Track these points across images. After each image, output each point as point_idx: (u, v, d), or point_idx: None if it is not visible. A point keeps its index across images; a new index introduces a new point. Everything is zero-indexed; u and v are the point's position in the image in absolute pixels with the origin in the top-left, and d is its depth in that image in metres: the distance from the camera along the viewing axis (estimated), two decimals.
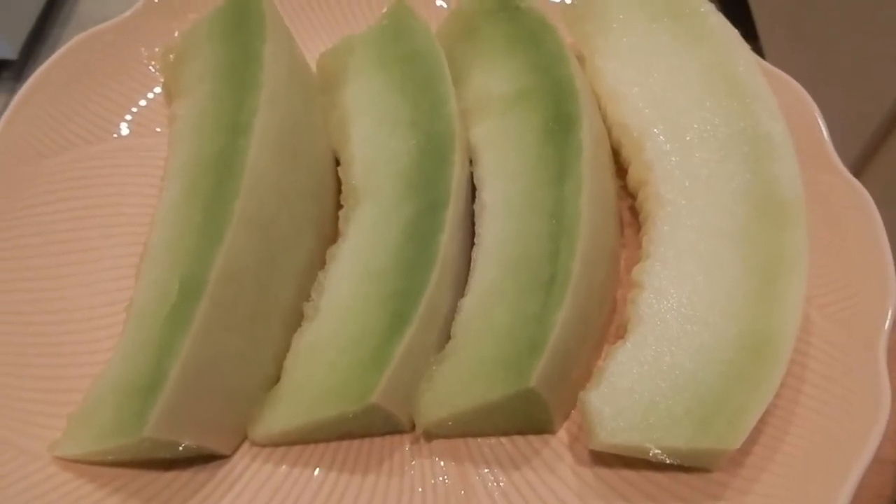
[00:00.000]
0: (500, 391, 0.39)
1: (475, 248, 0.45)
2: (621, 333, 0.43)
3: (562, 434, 0.43)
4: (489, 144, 0.49)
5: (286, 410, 0.41)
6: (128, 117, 0.54)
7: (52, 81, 0.53)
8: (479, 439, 0.43)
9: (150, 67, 0.56)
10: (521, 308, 0.41)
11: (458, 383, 0.41)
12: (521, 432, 0.43)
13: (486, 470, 0.42)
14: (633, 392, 0.39)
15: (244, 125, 0.44)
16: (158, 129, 0.54)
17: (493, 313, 0.42)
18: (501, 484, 0.41)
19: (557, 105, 0.48)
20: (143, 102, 0.55)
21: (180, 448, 0.39)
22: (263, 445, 0.42)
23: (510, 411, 0.41)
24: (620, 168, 0.51)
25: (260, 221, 0.43)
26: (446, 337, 0.43)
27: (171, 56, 0.54)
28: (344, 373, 0.40)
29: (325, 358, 0.41)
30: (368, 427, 0.42)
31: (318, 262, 0.46)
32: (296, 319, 0.44)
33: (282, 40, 0.50)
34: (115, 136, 0.53)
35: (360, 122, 0.50)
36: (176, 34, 0.57)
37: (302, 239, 0.46)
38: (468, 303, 0.43)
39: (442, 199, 0.45)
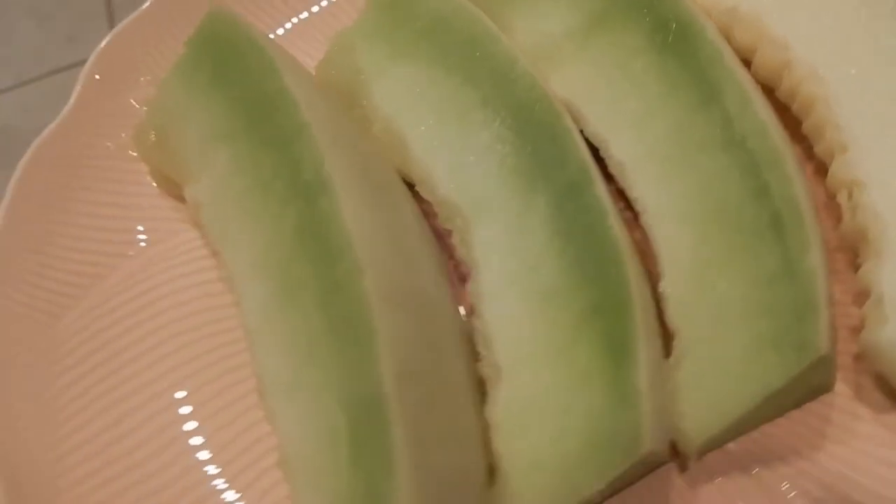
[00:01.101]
0: (784, 374, 0.31)
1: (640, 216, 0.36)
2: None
3: (839, 387, 0.35)
4: (587, 91, 0.39)
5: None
6: (133, 229, 0.42)
7: (19, 229, 0.41)
8: (752, 434, 0.34)
9: (128, 157, 0.44)
10: (755, 270, 0.32)
11: (721, 386, 0.32)
12: (797, 405, 0.34)
13: (785, 467, 0.33)
14: None
15: (316, 181, 0.33)
16: (177, 227, 0.42)
17: (718, 288, 0.33)
18: (815, 474, 0.33)
19: (651, 11, 0.38)
20: (139, 203, 0.43)
21: None
22: None
23: (789, 392, 0.32)
24: None
25: (394, 288, 0.32)
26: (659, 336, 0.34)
27: (151, 135, 0.42)
28: (585, 431, 0.31)
29: (544, 423, 0.32)
30: (632, 478, 0.33)
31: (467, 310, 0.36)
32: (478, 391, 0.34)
33: (291, 64, 0.39)
34: (128, 255, 0.42)
35: (413, 125, 0.40)
36: (137, 106, 0.45)
37: (439, 289, 0.36)
38: (673, 287, 0.34)
39: (580, 175, 0.35)
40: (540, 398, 0.32)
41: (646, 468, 0.33)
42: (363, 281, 0.31)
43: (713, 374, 0.32)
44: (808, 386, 0.33)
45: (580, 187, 0.35)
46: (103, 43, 0.45)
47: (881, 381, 0.34)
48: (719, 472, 0.34)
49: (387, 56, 0.42)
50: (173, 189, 0.43)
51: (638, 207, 0.36)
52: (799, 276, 0.31)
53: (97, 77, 0.45)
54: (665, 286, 0.34)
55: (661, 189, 0.36)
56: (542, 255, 0.34)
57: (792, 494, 0.33)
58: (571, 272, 0.33)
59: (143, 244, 0.42)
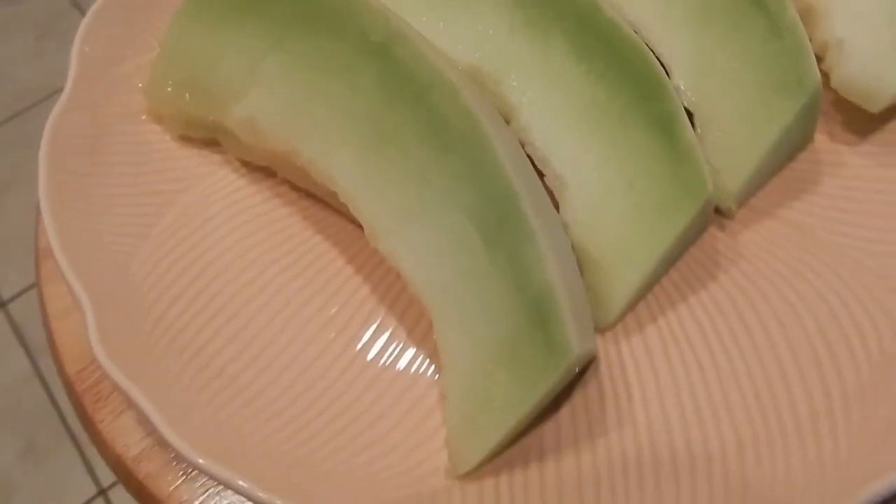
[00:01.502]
0: (793, 108, 0.39)
1: None
2: None
3: (817, 136, 0.43)
4: None
5: None
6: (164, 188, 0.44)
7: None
8: (768, 188, 0.41)
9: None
10: (746, 38, 0.40)
11: (743, 138, 0.39)
12: (799, 149, 0.42)
13: (800, 202, 0.41)
14: None
15: (391, 35, 0.37)
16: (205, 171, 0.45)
17: (718, 64, 0.40)
18: (822, 204, 0.40)
19: None
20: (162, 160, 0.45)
21: (577, 369, 0.34)
22: None
23: (796, 130, 0.40)
24: None
25: (483, 106, 0.37)
26: None
27: (168, 83, 0.44)
28: (654, 194, 0.37)
29: (615, 201, 0.38)
30: (697, 230, 0.39)
31: None
32: None
33: None
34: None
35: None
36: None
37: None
38: (682, 77, 0.40)
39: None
40: (606, 184, 0.38)
41: (702, 221, 0.39)
42: (462, 99, 0.35)
43: (733, 131, 0.39)
44: (806, 125, 0.41)
45: (594, 14, 0.41)
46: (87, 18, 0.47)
47: (848, 124, 0.43)
48: (754, 224, 0.40)
49: None
50: (198, 133, 0.45)
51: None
52: (783, 29, 0.39)
53: (87, 50, 0.47)
54: (675, 78, 0.41)
55: None
56: (572, 76, 0.40)
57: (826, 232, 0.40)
58: (606, 78, 0.39)
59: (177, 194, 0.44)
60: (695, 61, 0.41)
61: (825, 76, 0.41)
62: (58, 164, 0.43)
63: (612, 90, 0.39)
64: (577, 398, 0.35)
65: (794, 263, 0.38)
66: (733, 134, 0.39)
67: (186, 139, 0.46)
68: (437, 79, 0.36)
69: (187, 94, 0.44)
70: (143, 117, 0.47)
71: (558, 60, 0.41)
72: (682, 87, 0.40)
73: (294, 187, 0.44)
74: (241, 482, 0.31)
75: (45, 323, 0.43)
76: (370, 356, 0.38)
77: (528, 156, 0.40)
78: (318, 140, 0.38)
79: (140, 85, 0.47)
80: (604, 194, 0.38)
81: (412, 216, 0.35)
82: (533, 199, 0.34)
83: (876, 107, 0.41)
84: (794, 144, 0.41)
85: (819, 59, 0.40)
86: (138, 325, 0.38)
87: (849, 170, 0.42)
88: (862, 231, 0.39)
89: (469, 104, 0.35)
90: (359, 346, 0.38)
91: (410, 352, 0.38)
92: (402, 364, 0.37)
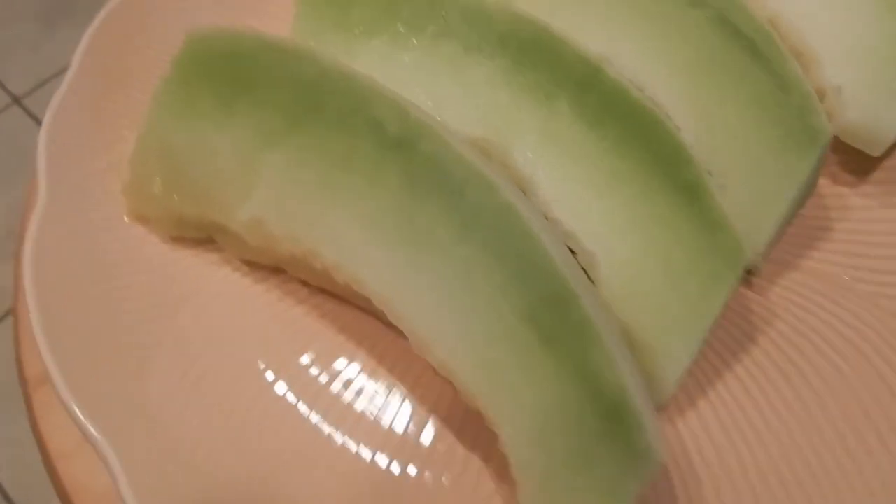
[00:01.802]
0: (809, 160, 0.39)
1: None
2: None
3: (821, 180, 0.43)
4: None
5: None
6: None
7: None
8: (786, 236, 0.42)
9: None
10: (751, 93, 0.40)
11: (761, 193, 0.39)
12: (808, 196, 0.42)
13: (820, 252, 0.41)
14: None
15: (412, 129, 0.36)
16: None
17: (728, 122, 0.40)
18: (841, 250, 0.41)
19: None
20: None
21: None
22: None
23: (808, 181, 0.40)
24: None
25: (521, 198, 0.37)
26: None
27: (155, 182, 0.41)
28: (689, 254, 0.37)
29: (652, 266, 0.38)
30: None
31: None
32: None
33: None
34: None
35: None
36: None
37: None
38: (692, 134, 0.40)
39: (587, 70, 0.41)
40: (639, 258, 0.37)
41: (737, 284, 0.39)
42: (500, 195, 0.34)
43: (749, 189, 0.39)
44: (816, 173, 0.41)
45: (596, 76, 0.40)
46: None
47: (846, 164, 0.44)
48: (779, 278, 0.41)
49: None
50: (190, 234, 0.42)
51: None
52: (788, 82, 0.39)
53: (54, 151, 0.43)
54: (685, 136, 0.40)
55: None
56: (586, 145, 0.39)
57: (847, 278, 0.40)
58: (622, 145, 0.39)
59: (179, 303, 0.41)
60: (698, 119, 0.41)
61: None
62: (45, 290, 0.39)
63: (630, 158, 0.38)
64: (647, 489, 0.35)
65: (826, 316, 0.39)
66: (750, 192, 0.39)
67: (178, 239, 0.43)
68: (471, 174, 0.34)
69: (176, 195, 0.41)
70: (126, 219, 0.43)
71: (567, 128, 0.40)
72: (689, 143, 0.40)
73: (304, 283, 0.42)
74: None
75: (47, 464, 0.39)
76: (419, 470, 0.36)
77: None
78: (339, 241, 0.36)
79: (119, 185, 0.44)
80: (639, 269, 0.37)
81: (461, 322, 0.34)
82: (588, 295, 0.33)
83: (877, 150, 0.42)
84: (804, 193, 0.42)
85: None
86: (165, 465, 0.35)
87: (856, 212, 0.43)
88: (879, 276, 0.40)
89: (508, 199, 0.34)
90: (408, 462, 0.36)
91: (463, 457, 0.36)
92: (455, 476, 0.36)
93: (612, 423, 0.31)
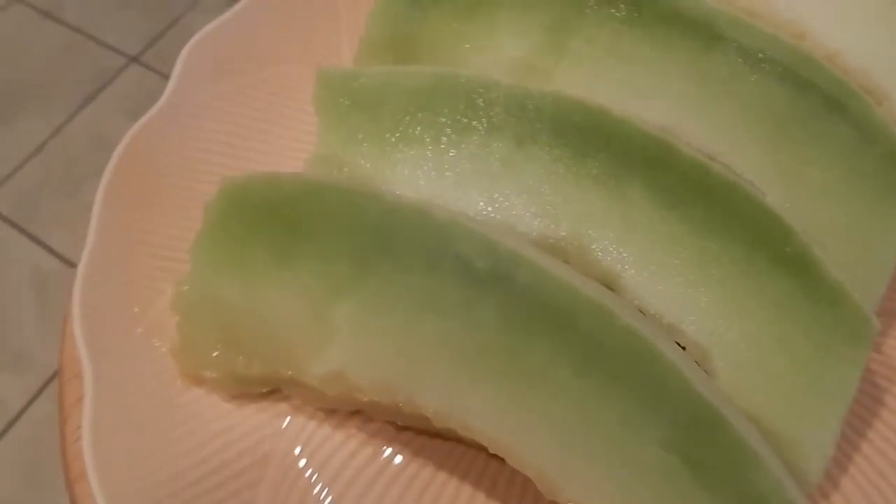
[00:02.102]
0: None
1: None
2: None
3: None
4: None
5: None
6: None
7: None
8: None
9: None
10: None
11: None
12: None
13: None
14: None
15: (504, 260, 0.33)
16: None
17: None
18: None
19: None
20: None
21: None
22: None
23: None
24: None
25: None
26: None
27: (214, 349, 0.38)
28: (808, 347, 0.34)
29: (771, 358, 0.35)
30: None
31: None
32: None
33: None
34: None
35: None
36: None
37: None
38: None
39: None
40: (753, 345, 0.35)
41: None
42: (619, 321, 0.31)
43: (851, 249, 0.37)
44: None
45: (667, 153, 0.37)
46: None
47: None
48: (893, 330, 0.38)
49: None
50: (254, 390, 0.39)
51: None
52: (873, 130, 0.37)
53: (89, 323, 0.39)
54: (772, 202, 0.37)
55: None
56: (669, 229, 0.36)
57: None
58: (709, 224, 0.36)
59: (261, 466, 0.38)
60: (782, 182, 0.38)
61: None
62: (111, 484, 0.35)
63: (723, 237, 0.36)
64: None
65: None
66: (852, 251, 0.37)
67: (240, 394, 0.39)
68: (579, 301, 0.31)
69: (238, 356, 0.37)
70: (178, 383, 0.40)
71: (647, 214, 0.37)
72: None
73: (389, 421, 0.38)
74: None
75: None
76: None
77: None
78: (439, 387, 0.33)
79: (164, 347, 0.40)
80: (757, 356, 0.35)
81: (596, 459, 0.31)
82: (738, 420, 0.30)
83: None
84: None
85: None
86: None
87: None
88: None
89: (628, 323, 0.31)
90: None
91: None
92: None
93: None
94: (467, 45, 0.44)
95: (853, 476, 0.35)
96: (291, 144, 0.47)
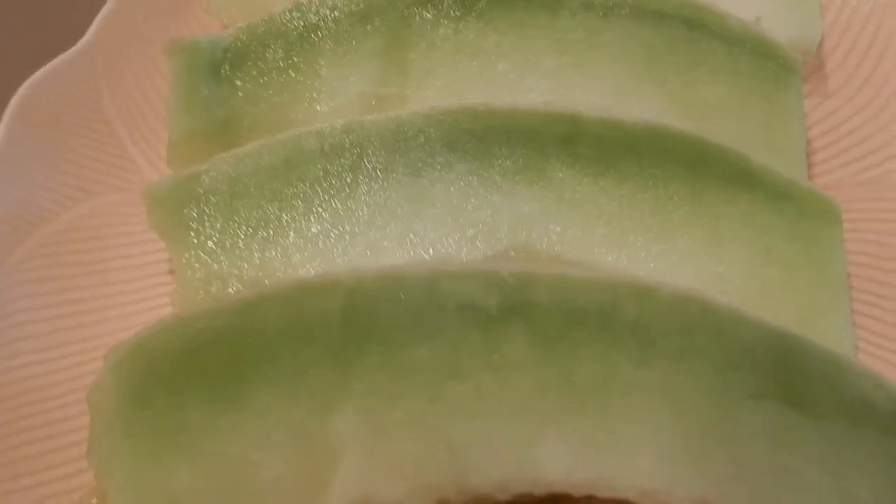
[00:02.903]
0: None
1: None
2: None
3: None
4: None
5: None
6: None
7: None
8: None
9: None
10: None
11: None
12: None
13: None
14: None
15: None
16: None
17: None
18: None
19: None
20: None
21: None
22: None
23: None
24: None
25: None
26: None
27: None
28: None
29: None
30: None
31: None
32: None
33: None
34: None
35: None
36: None
37: None
38: None
39: None
40: (743, 262, 0.33)
41: None
42: (660, 292, 0.28)
43: None
44: None
45: None
46: None
47: None
48: None
49: None
50: None
51: None
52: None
53: None
54: None
55: None
56: None
57: None
58: None
59: None
60: (678, 109, 0.37)
61: None
62: None
63: (664, 182, 0.34)
64: None
65: None
66: (764, 144, 0.37)
67: None
68: (612, 291, 0.28)
69: None
70: None
71: (580, 188, 0.34)
72: None
73: None
74: None
75: None
76: None
77: None
78: (488, 457, 0.27)
79: None
80: (753, 277, 0.33)
81: (697, 447, 0.27)
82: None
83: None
84: None
85: None
86: None
87: None
88: None
89: (670, 292, 0.28)
90: None
91: None
92: None
93: None
94: (300, 102, 0.39)
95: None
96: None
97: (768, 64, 0.37)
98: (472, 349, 0.27)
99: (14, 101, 0.41)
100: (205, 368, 0.28)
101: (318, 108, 0.38)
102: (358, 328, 0.27)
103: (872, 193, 0.38)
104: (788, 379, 0.27)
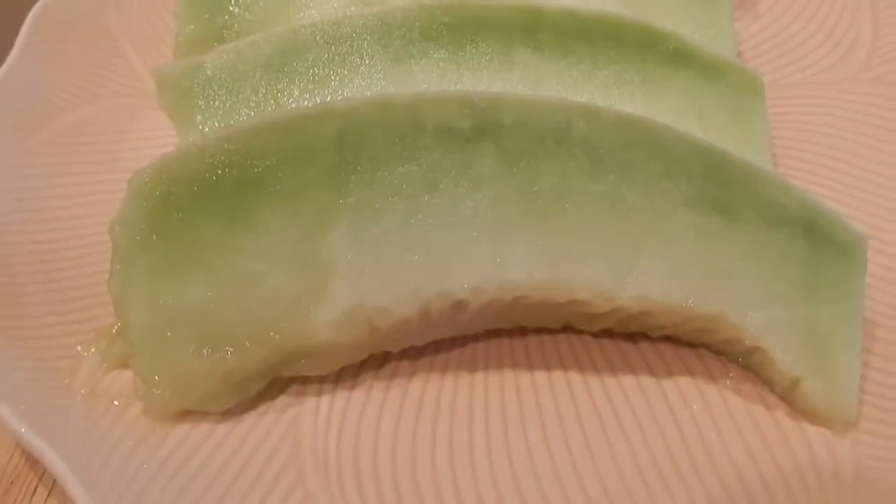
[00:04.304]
0: None
1: None
2: None
3: None
4: None
5: None
6: None
7: None
8: None
9: None
10: None
11: None
12: None
13: None
14: None
15: None
16: None
17: None
18: None
19: None
20: None
21: None
22: None
23: None
24: None
25: None
26: None
27: None
28: None
29: None
30: None
31: None
32: None
33: None
34: None
35: None
36: None
37: None
38: None
39: None
40: None
41: None
42: (608, 113, 0.33)
43: None
44: None
45: None
46: None
47: None
48: None
49: None
50: (253, 390, 0.34)
51: None
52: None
53: None
54: None
55: None
56: None
57: None
58: None
59: None
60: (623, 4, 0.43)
61: None
62: None
63: (627, 57, 0.39)
64: None
65: None
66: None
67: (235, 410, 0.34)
68: (567, 111, 0.33)
69: (228, 351, 0.32)
70: (157, 431, 0.34)
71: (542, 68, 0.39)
72: None
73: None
74: None
75: None
76: None
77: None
78: (463, 262, 0.32)
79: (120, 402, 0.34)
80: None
81: (636, 247, 0.32)
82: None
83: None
84: None
85: None
86: None
87: None
88: None
89: (616, 113, 0.33)
90: None
91: None
92: None
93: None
94: (295, 7, 0.44)
95: None
96: None
97: None
98: (448, 165, 0.32)
99: (31, 14, 0.46)
100: (216, 190, 0.32)
101: (313, 13, 0.43)
102: (350, 150, 0.32)
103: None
104: (715, 186, 0.32)
